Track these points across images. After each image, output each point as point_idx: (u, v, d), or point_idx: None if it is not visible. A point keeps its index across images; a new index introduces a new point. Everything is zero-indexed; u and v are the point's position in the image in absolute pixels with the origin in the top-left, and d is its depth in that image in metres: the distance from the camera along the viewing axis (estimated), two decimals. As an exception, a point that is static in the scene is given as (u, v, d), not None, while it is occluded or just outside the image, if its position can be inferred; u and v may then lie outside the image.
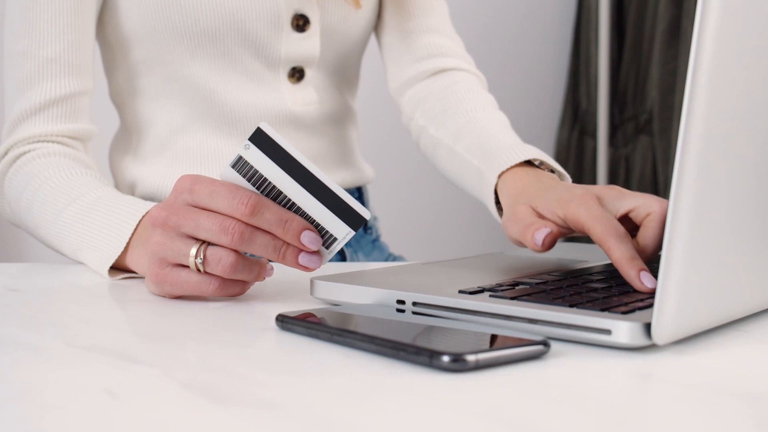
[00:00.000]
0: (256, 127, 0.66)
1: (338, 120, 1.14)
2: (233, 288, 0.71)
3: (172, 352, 0.56)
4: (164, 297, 0.73)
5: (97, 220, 0.84)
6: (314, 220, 0.69)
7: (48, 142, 0.97)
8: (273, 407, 0.44)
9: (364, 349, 0.54)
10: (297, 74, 1.07)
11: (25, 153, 0.97)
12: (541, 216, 0.77)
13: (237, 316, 0.67)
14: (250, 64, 1.04)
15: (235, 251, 0.69)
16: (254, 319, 0.65)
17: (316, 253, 0.69)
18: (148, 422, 0.42)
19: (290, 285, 0.80)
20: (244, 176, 0.68)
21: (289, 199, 0.68)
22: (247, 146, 0.67)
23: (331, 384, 0.49)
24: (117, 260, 0.81)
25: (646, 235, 0.71)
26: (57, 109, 0.97)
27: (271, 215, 0.67)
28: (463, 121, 1.06)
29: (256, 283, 0.79)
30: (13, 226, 1.12)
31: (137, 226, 0.81)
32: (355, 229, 0.68)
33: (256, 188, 0.69)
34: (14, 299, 0.74)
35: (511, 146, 0.94)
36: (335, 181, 1.12)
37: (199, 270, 0.69)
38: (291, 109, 1.07)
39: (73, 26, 0.97)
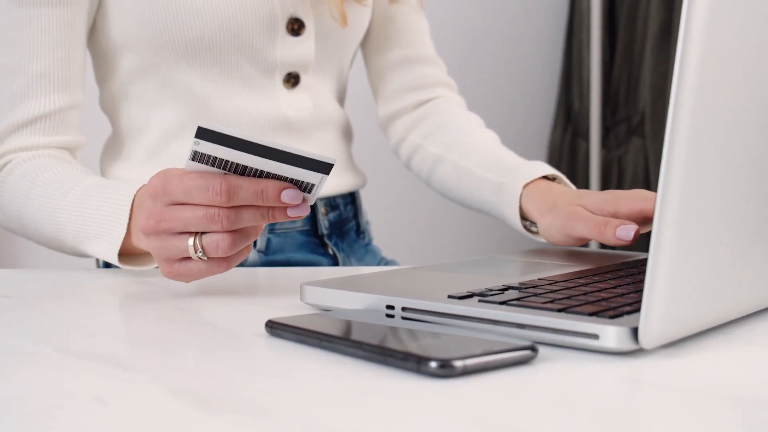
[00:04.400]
0: (196, 127, 0.67)
1: (332, 125, 1.15)
2: (239, 257, 0.75)
3: (162, 358, 0.56)
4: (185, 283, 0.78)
5: (91, 210, 0.86)
6: (287, 178, 0.70)
7: (34, 151, 0.98)
8: (262, 413, 0.45)
9: (352, 354, 0.54)
10: (292, 80, 1.08)
11: (10, 161, 0.98)
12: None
13: (227, 321, 0.67)
14: (246, 70, 1.04)
15: (228, 231, 0.71)
16: (244, 324, 0.66)
17: (302, 201, 0.71)
18: (136, 429, 0.42)
19: (280, 290, 0.80)
20: (206, 164, 0.70)
21: (257, 170, 0.70)
22: (197, 142, 0.68)
23: (319, 390, 0.49)
24: (123, 245, 0.84)
25: None
26: (45, 123, 0.98)
27: (246, 193, 0.70)
28: (466, 140, 1.13)
29: (247, 288, 0.80)
30: (6, 233, 1.12)
31: (132, 208, 0.83)
32: (326, 174, 0.69)
33: (223, 170, 0.70)
34: (4, 305, 0.74)
35: (524, 163, 1.03)
36: (329, 186, 1.12)
37: (202, 259, 0.72)
38: (285, 115, 1.07)
39: (64, 41, 0.98)
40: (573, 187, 0.99)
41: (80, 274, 0.91)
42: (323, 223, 1.13)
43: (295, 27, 1.05)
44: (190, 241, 0.72)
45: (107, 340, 0.62)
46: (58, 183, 0.92)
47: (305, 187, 0.71)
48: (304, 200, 0.71)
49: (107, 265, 1.08)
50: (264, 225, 0.75)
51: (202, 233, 0.72)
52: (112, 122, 1.11)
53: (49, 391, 0.48)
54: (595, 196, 0.90)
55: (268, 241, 1.09)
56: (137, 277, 0.89)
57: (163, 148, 1.06)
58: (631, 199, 0.86)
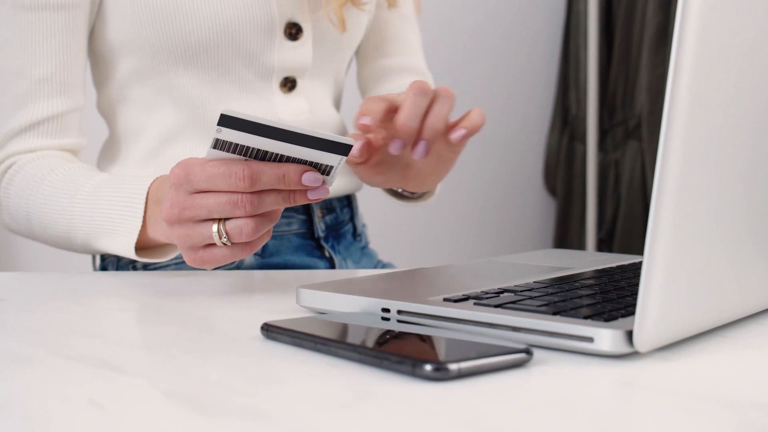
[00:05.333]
0: (219, 114, 0.67)
1: (328, 129, 1.15)
2: (261, 241, 0.76)
3: (158, 361, 0.56)
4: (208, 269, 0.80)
5: (104, 206, 0.88)
6: (307, 161, 0.71)
7: (38, 152, 1.00)
8: (257, 417, 0.45)
9: (348, 357, 0.55)
10: (289, 84, 1.08)
11: (14, 164, 0.99)
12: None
13: (222, 325, 0.67)
14: (243, 74, 1.05)
15: (250, 216, 0.73)
16: (240, 328, 0.66)
17: (322, 184, 0.73)
18: (131, 433, 0.42)
19: (276, 293, 0.80)
20: (227, 151, 0.70)
21: (277, 154, 0.70)
22: (219, 130, 0.69)
23: (315, 393, 0.49)
24: (139, 238, 0.85)
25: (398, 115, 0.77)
26: (48, 126, 1.00)
27: (268, 178, 0.71)
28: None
29: (244, 291, 0.80)
30: (3, 235, 1.12)
31: (146, 201, 0.85)
32: (345, 155, 0.70)
33: (244, 156, 0.71)
34: (0, 308, 0.74)
35: None
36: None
37: (226, 244, 0.74)
38: (282, 119, 1.07)
39: (66, 45, 0.99)
40: None
41: (77, 277, 0.91)
42: (319, 225, 1.13)
43: (293, 31, 1.06)
44: (214, 227, 0.73)
45: (103, 344, 0.62)
46: (67, 181, 0.93)
47: (324, 170, 0.72)
48: (324, 182, 0.73)
49: (103, 267, 1.08)
50: (279, 214, 0.76)
51: (226, 219, 0.73)
52: (109, 125, 1.11)
53: (45, 394, 0.49)
54: None
55: (265, 243, 1.09)
56: (133, 279, 0.89)
57: (160, 151, 1.06)
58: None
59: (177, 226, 0.75)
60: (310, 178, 0.71)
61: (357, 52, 1.22)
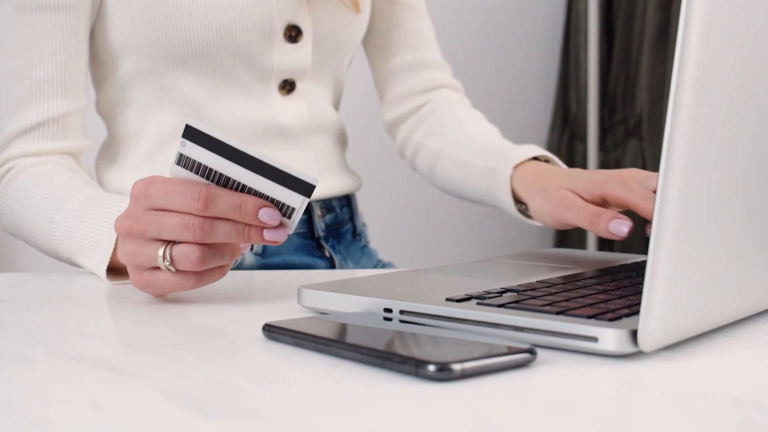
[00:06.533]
0: (185, 125, 0.66)
1: (326, 130, 1.14)
2: (211, 276, 0.72)
3: (158, 362, 0.56)
4: (154, 296, 0.75)
5: (85, 223, 0.86)
6: (268, 196, 0.69)
7: (38, 156, 0.99)
8: (259, 418, 0.44)
9: (350, 358, 0.54)
10: (288, 86, 1.08)
11: (12, 168, 0.99)
12: (581, 198, 0.86)
13: (223, 325, 0.67)
14: (242, 76, 1.04)
15: (201, 244, 0.69)
16: (241, 328, 0.65)
17: (280, 226, 0.70)
18: (131, 434, 0.42)
19: (277, 294, 0.80)
20: (190, 170, 0.69)
21: (239, 183, 0.69)
22: (183, 143, 0.67)
23: (317, 394, 0.48)
24: (112, 259, 0.83)
25: None
26: (49, 128, 0.99)
27: (223, 203, 0.68)
28: (462, 133, 1.13)
29: (245, 292, 0.79)
30: (3, 236, 1.12)
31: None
32: (308, 196, 0.68)
33: (206, 179, 0.69)
34: (0, 309, 0.74)
35: (516, 147, 1.04)
36: (324, 188, 1.12)
37: (170, 270, 0.70)
38: (280, 121, 1.07)
39: (66, 46, 0.98)
40: (564, 166, 0.99)
41: (76, 278, 0.91)
42: (319, 225, 1.13)
43: (293, 34, 1.05)
44: (161, 250, 0.70)
45: (103, 344, 0.62)
46: (55, 194, 0.92)
47: (285, 212, 0.69)
48: (283, 225, 0.70)
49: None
50: (243, 251, 0.73)
51: (176, 244, 0.70)
52: (108, 126, 1.11)
53: (45, 395, 0.48)
54: (583, 177, 0.89)
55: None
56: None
57: (158, 153, 1.06)
58: (620, 184, 0.84)
59: (127, 240, 0.72)
60: (268, 213, 0.68)
61: (371, 50, 1.21)
